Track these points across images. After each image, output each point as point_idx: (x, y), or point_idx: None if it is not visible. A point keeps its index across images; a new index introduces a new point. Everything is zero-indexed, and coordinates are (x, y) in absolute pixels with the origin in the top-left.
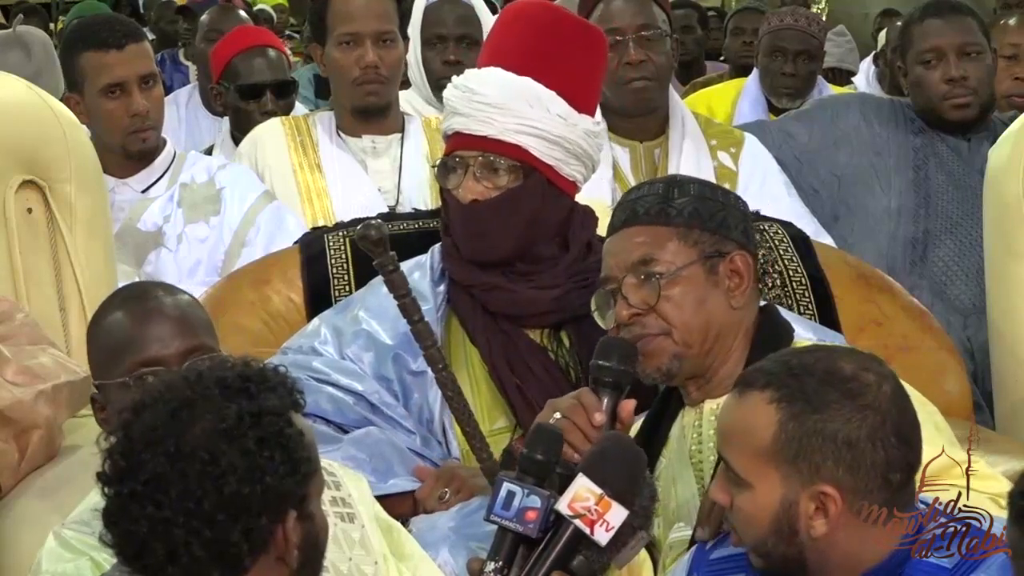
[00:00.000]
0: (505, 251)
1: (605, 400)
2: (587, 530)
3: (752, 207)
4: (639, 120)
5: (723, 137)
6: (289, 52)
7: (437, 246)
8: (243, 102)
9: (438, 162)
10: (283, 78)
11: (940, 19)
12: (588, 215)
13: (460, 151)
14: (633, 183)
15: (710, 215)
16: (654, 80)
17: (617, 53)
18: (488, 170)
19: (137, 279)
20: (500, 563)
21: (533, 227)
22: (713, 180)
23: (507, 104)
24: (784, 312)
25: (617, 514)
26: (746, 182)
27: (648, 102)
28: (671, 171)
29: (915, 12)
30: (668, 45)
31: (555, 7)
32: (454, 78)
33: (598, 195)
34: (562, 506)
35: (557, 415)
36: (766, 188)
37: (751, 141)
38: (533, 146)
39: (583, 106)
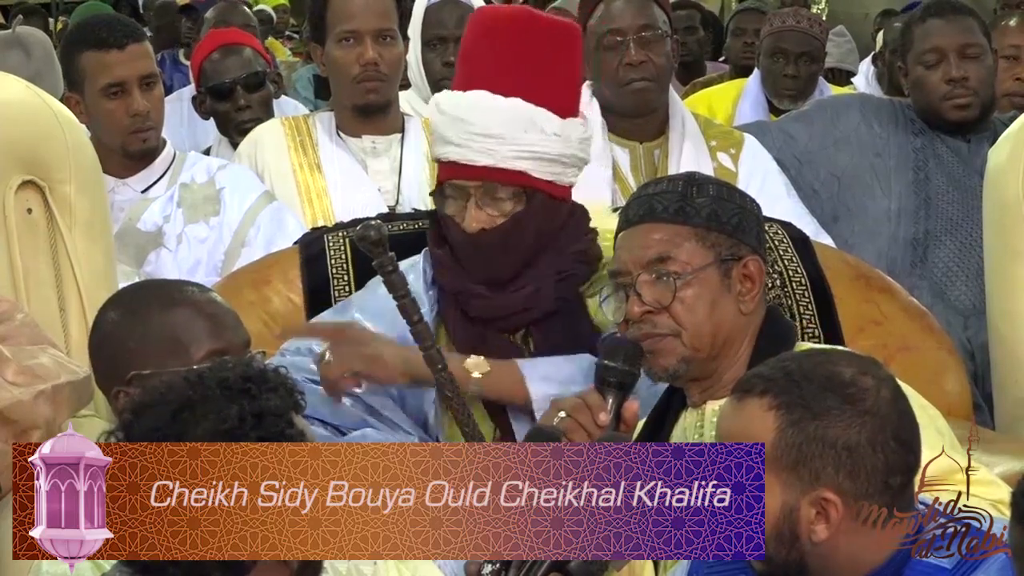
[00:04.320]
0: (514, 270)
1: (610, 400)
2: None
3: None
4: (639, 121)
5: (723, 138)
6: (289, 51)
7: (427, 251)
8: (217, 104)
9: (435, 187)
10: (250, 71)
11: (941, 19)
12: (582, 213)
13: (458, 180)
14: (632, 183)
15: (728, 217)
16: (654, 81)
17: (618, 54)
18: (490, 198)
19: (137, 279)
20: (498, 565)
21: (538, 242)
22: None
23: (503, 133)
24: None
25: None
26: (745, 183)
27: (648, 103)
28: (671, 172)
29: (916, 12)
30: (668, 46)
31: (525, 11)
32: (438, 99)
33: (598, 195)
34: None
35: (562, 414)
36: (766, 188)
37: (751, 142)
38: (533, 169)
39: (571, 110)
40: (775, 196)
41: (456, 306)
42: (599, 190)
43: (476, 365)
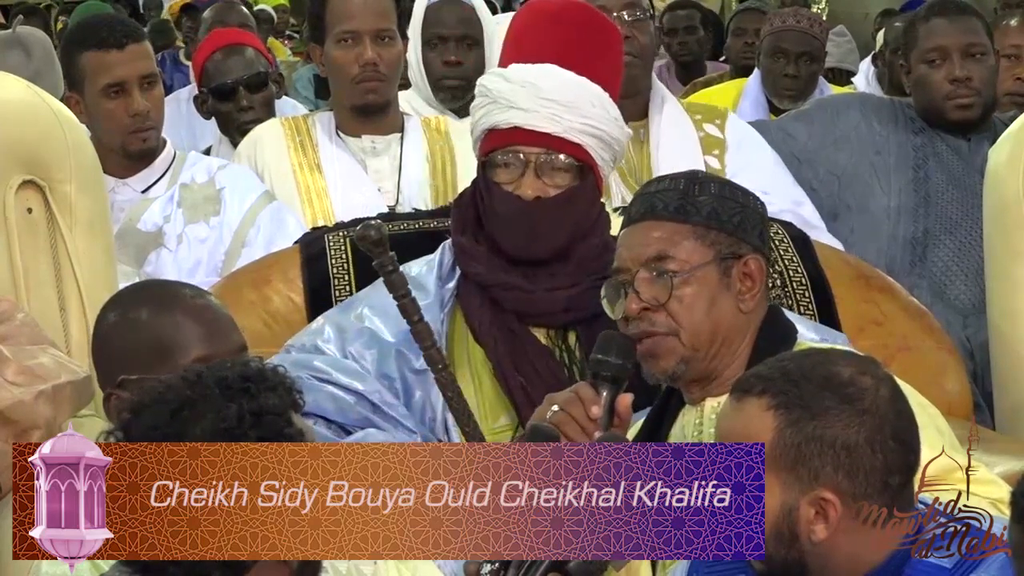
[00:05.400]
0: (554, 249)
1: (603, 394)
2: None
3: (740, 173)
4: (624, 102)
5: (707, 112)
6: (289, 51)
7: (448, 243)
8: (220, 104)
9: (484, 155)
10: (253, 72)
11: (946, 19)
12: (607, 217)
13: (519, 146)
14: (621, 161)
15: (729, 216)
16: (638, 58)
17: None
18: (549, 168)
19: (137, 279)
20: (496, 565)
21: (578, 227)
22: (699, 150)
23: (574, 103)
24: (787, 313)
25: None
26: (736, 150)
27: (634, 80)
28: (654, 144)
29: (920, 10)
30: (652, 27)
31: (586, 5)
32: (501, 71)
33: None
34: None
35: (555, 408)
36: (754, 156)
37: (734, 115)
38: (592, 146)
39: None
40: (762, 165)
41: (483, 298)
42: None
43: None
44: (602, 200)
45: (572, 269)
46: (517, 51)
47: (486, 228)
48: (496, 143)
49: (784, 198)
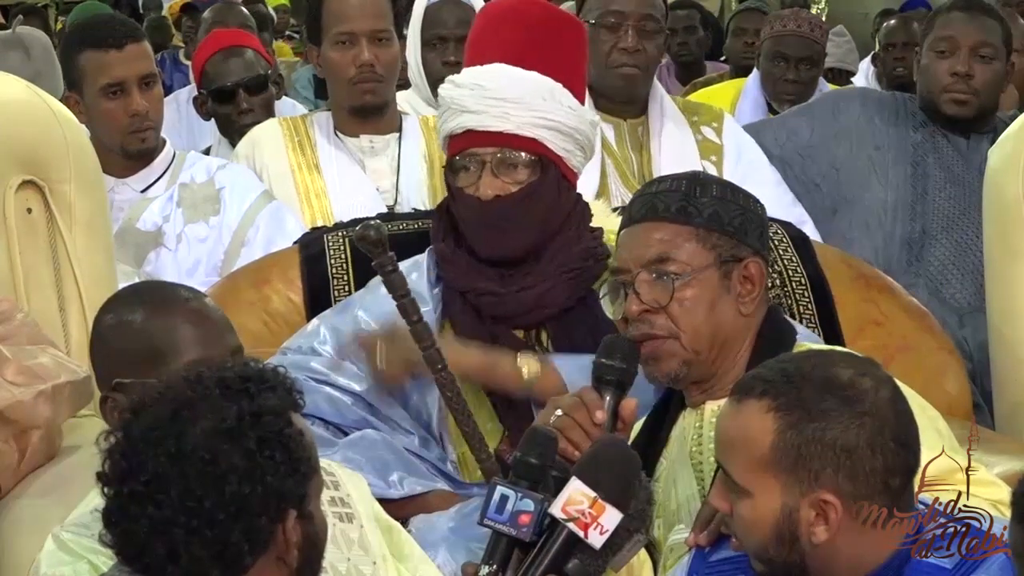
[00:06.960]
0: (524, 247)
1: (607, 398)
2: (581, 533)
3: (738, 178)
4: (623, 105)
5: (704, 112)
6: (291, 51)
7: (431, 248)
8: (219, 106)
9: (446, 162)
10: (253, 74)
11: (965, 14)
12: (585, 207)
13: (474, 148)
14: (619, 154)
15: (730, 218)
16: (643, 70)
17: (614, 36)
18: (506, 166)
19: (137, 279)
20: (495, 567)
21: (548, 221)
22: (697, 154)
23: (522, 98)
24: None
25: (611, 517)
26: (735, 156)
27: (634, 88)
28: (655, 147)
29: (947, 2)
30: (662, 40)
31: (540, 1)
32: (453, 77)
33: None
34: (556, 509)
35: (558, 412)
36: (752, 161)
37: (730, 117)
38: (549, 139)
39: (580, 97)
40: (763, 182)
41: (463, 303)
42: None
43: (526, 363)
44: (578, 192)
45: (544, 266)
46: (473, 54)
47: (462, 233)
48: (455, 148)
49: (785, 218)
